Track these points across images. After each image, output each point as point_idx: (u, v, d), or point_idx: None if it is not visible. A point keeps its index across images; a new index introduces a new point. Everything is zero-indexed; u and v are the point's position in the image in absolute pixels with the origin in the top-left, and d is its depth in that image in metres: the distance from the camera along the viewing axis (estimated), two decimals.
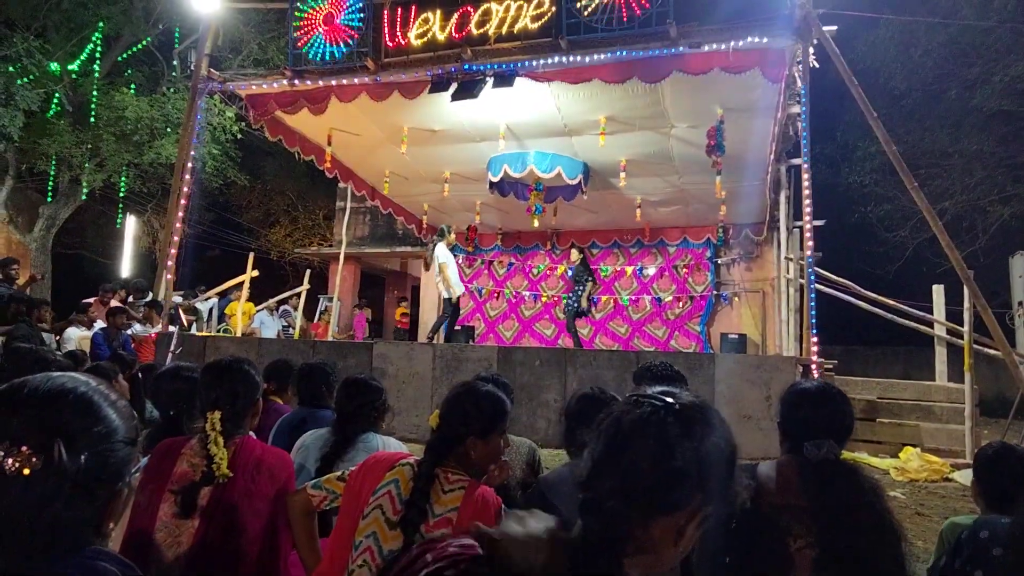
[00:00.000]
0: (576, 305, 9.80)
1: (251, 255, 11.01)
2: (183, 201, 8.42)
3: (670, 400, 1.09)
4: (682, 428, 1.05)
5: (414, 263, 18.14)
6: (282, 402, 3.86)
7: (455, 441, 2.06)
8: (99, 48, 13.29)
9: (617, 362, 7.02)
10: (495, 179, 9.71)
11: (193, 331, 11.56)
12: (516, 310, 14.36)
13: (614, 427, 1.08)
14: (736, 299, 13.13)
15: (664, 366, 3.18)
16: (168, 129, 12.99)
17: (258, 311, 12.26)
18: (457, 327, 10.76)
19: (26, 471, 1.00)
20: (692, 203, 11.61)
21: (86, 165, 13.31)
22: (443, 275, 9.05)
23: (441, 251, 9.21)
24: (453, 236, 9.98)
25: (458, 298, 9.44)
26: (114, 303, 8.97)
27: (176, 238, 8.41)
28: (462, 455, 2.05)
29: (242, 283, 10.90)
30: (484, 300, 14.51)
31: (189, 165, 8.55)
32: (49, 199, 14.33)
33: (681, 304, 13.22)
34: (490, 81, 7.33)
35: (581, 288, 9.79)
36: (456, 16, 7.49)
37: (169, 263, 8.43)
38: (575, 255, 10.21)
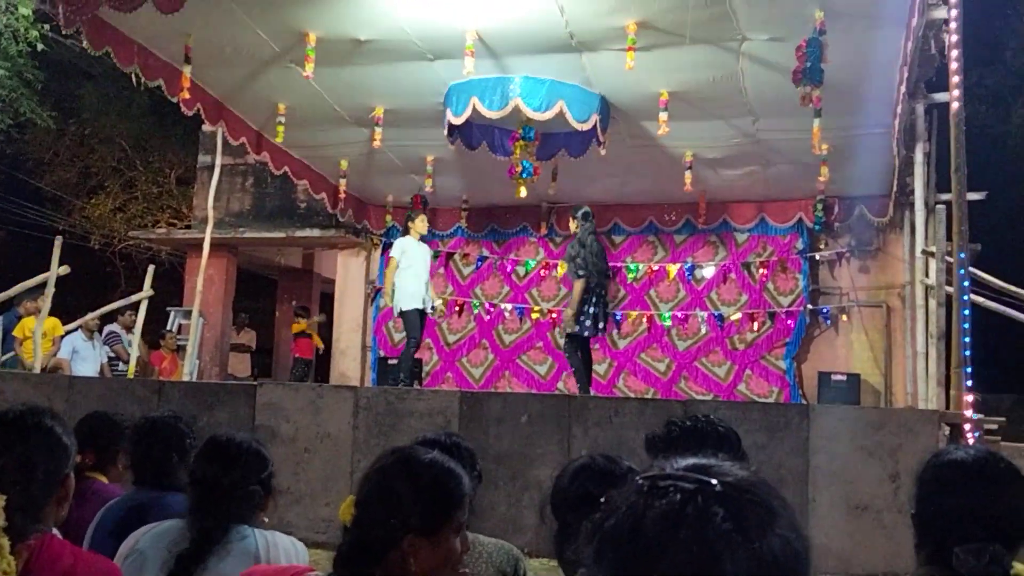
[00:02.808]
0: (577, 315, 9.56)
1: (58, 240, 10.91)
2: None
3: (708, 479, 1.10)
4: (734, 523, 1.06)
5: (326, 257, 18.10)
6: (107, 481, 3.83)
7: (383, 543, 2.05)
8: None
9: (653, 417, 7.04)
10: (458, 120, 9.71)
11: None
12: (489, 333, 14.39)
13: (630, 528, 1.08)
14: (844, 318, 13.26)
15: (696, 419, 3.19)
16: None
17: (68, 332, 12.15)
18: (392, 359, 10.78)
19: None
20: (775, 163, 11.69)
21: None
22: (386, 277, 9.56)
23: (400, 244, 10.10)
24: (423, 222, 10.27)
25: (415, 311, 9.90)
26: None
27: None
28: (395, 566, 2.03)
29: (42, 287, 10.80)
30: (437, 316, 14.51)
31: None
32: None
33: (756, 325, 13.34)
34: None
35: (581, 273, 9.60)
36: None
37: None
38: (572, 224, 10.03)
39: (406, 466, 2.12)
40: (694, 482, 1.08)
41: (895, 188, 11.62)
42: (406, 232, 10.53)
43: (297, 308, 17.20)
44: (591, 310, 9.59)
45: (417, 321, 10.08)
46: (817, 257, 13.38)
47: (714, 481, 1.08)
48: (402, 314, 10.16)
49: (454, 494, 2.11)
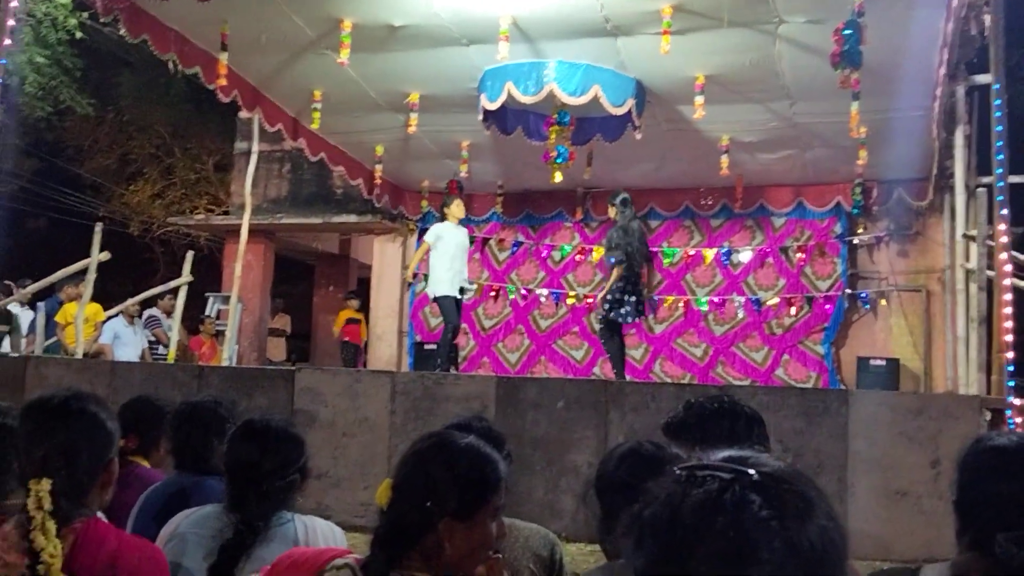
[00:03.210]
0: (612, 301, 9.75)
1: (98, 227, 11.03)
2: None
3: (745, 469, 1.10)
4: (771, 511, 1.06)
5: (362, 242, 18.19)
6: (150, 465, 3.88)
7: (419, 527, 2.06)
8: None
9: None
10: (493, 106, 9.72)
11: (5, 349, 11.61)
12: (525, 318, 14.42)
13: (669, 517, 1.09)
14: (883, 302, 13.16)
15: (718, 400, 3.13)
16: None
17: (109, 318, 12.30)
18: (430, 345, 10.81)
19: None
20: (812, 146, 11.60)
21: None
22: (414, 255, 9.68)
23: (435, 230, 10.18)
24: (459, 207, 10.29)
25: (449, 298, 9.92)
26: None
27: None
28: (431, 549, 2.05)
29: (83, 273, 10.93)
30: (474, 301, 14.54)
31: None
32: None
33: (794, 309, 13.27)
34: None
35: (620, 260, 9.68)
36: None
37: None
38: (612, 211, 10.14)
39: (442, 450, 2.14)
40: (731, 471, 1.09)
41: (935, 171, 11.50)
42: (443, 218, 10.52)
43: (347, 293, 17.32)
44: (631, 297, 9.64)
45: (452, 307, 10.11)
46: (855, 241, 13.27)
47: (751, 471, 1.09)
48: (436, 300, 10.23)
49: (490, 479, 2.12)
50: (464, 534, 2.05)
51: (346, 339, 16.26)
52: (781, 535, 1.04)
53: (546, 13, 8.55)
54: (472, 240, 14.51)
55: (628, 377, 10.50)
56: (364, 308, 16.24)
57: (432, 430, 2.33)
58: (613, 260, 9.63)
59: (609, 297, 9.66)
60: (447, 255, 10.09)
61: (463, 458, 2.12)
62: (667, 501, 1.09)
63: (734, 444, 2.70)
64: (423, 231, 11.51)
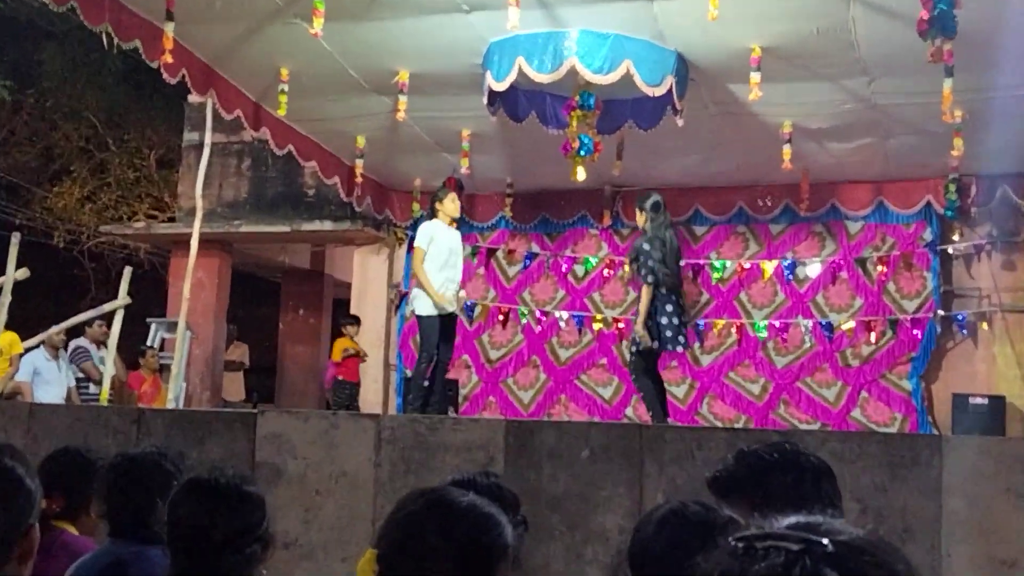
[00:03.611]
0: (647, 326, 9.56)
1: (15, 237, 11.07)
2: None
3: (817, 539, 1.10)
4: None
5: (340, 255, 18.21)
6: (78, 532, 3.88)
7: None
8: None
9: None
10: (500, 86, 9.73)
11: None
12: (541, 347, 14.41)
13: None
14: (984, 326, 13.13)
15: (777, 448, 3.12)
16: None
17: (28, 350, 12.31)
18: (424, 380, 10.76)
19: None
20: (895, 133, 11.60)
21: None
22: (414, 273, 9.58)
23: (427, 230, 9.92)
24: (453, 202, 10.16)
25: (434, 318, 9.74)
26: None
27: None
28: None
29: None
30: (478, 327, 14.54)
31: None
32: None
33: (874, 335, 13.25)
34: None
35: (648, 278, 9.49)
36: None
37: None
38: (640, 217, 9.94)
39: (438, 512, 2.14)
40: (799, 541, 1.09)
41: None
42: (432, 215, 10.41)
43: (346, 319, 16.43)
44: (670, 320, 9.52)
45: (434, 330, 9.98)
46: (950, 251, 13.27)
47: (824, 540, 1.09)
48: (418, 319, 10.12)
49: (494, 546, 2.13)
50: None
51: (340, 377, 15.15)
52: None
53: None
54: (475, 251, 14.60)
55: (669, 420, 10.47)
56: (335, 333, 16.20)
57: (425, 487, 2.33)
58: (646, 279, 9.50)
59: (639, 325, 9.53)
60: (438, 261, 9.99)
61: (463, 521, 2.12)
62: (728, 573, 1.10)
63: (799, 505, 2.71)
64: (413, 240, 11.43)
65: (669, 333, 9.50)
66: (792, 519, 1.14)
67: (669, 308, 9.54)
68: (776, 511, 1.14)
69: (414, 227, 14.14)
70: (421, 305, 9.97)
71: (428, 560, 2.07)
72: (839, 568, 1.06)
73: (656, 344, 9.49)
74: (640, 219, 9.90)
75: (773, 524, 1.14)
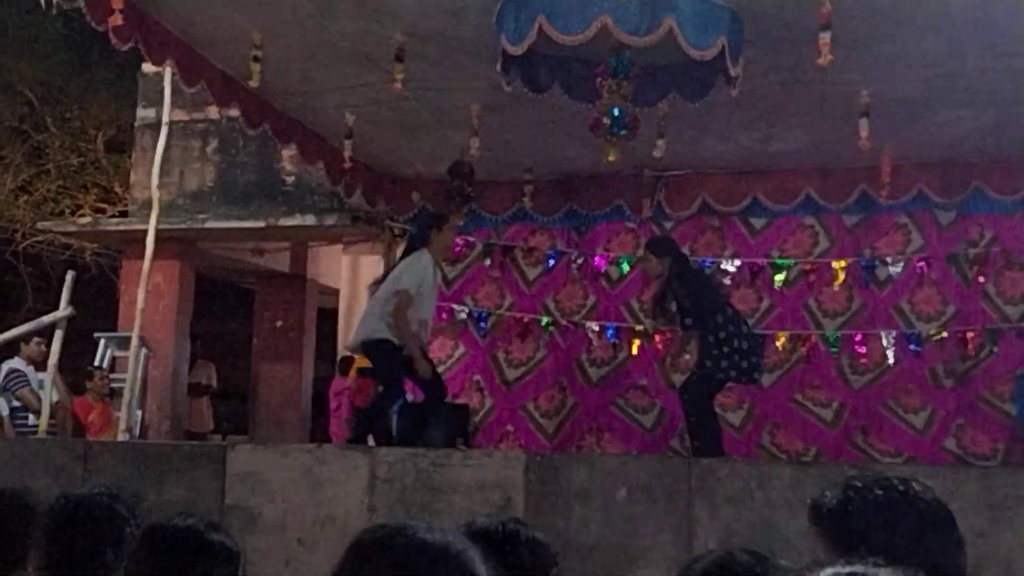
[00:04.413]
0: (717, 365, 9.89)
1: None
2: None
3: None
4: None
5: (324, 255, 18.25)
6: None
7: None
8: None
9: (814, 488, 7.00)
10: (517, 49, 9.74)
11: None
12: (568, 366, 14.43)
13: None
14: None
15: (889, 485, 3.12)
16: None
17: None
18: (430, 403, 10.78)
19: None
20: (991, 105, 11.57)
21: None
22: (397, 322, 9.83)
23: (418, 270, 10.07)
24: (450, 232, 10.26)
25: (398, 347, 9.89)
26: None
27: None
28: None
29: None
30: (492, 341, 14.55)
31: None
32: None
33: (971, 348, 13.21)
34: None
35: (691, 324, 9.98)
36: None
37: None
38: (654, 263, 10.41)
39: (387, 548, 2.16)
40: None
41: None
42: (425, 241, 10.45)
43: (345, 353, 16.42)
44: (735, 346, 9.74)
45: (399, 361, 10.02)
46: None
47: None
48: (376, 344, 10.19)
49: None
50: None
51: (358, 404, 14.53)
52: None
53: None
54: (488, 250, 14.60)
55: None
56: (332, 350, 16.24)
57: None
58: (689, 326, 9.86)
59: (717, 362, 9.82)
60: (420, 311, 10.06)
61: (417, 561, 2.10)
62: None
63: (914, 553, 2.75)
64: (414, 238, 11.35)
65: (738, 358, 9.73)
66: (847, 568, 1.16)
67: (735, 340, 9.77)
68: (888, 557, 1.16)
69: (414, 221, 14.21)
70: (384, 331, 10.02)
71: None
72: None
73: (714, 368, 9.71)
74: (652, 268, 10.33)
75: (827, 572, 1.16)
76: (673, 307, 10.02)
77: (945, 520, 2.96)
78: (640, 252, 14.27)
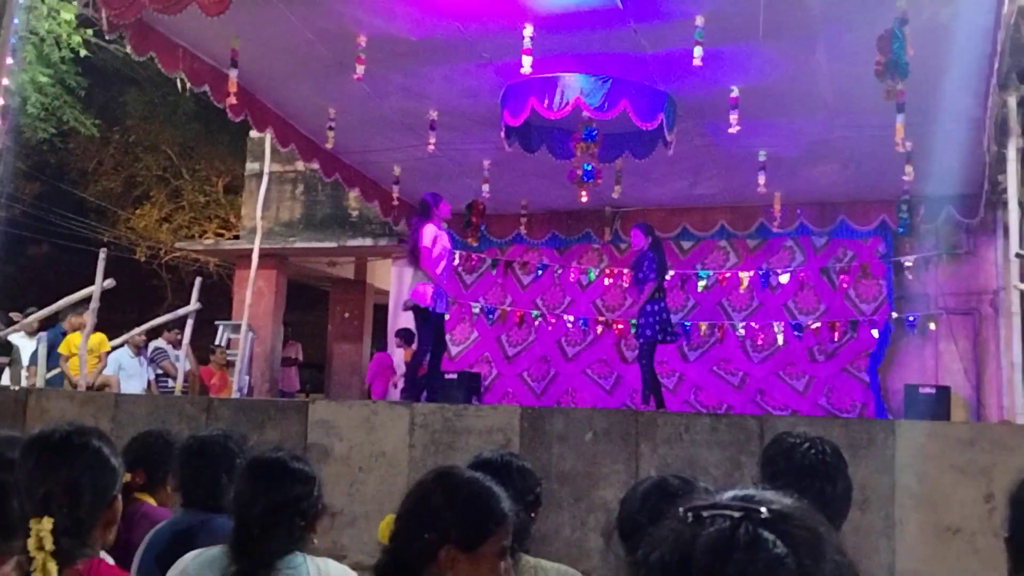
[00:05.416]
0: (654, 325, 10.08)
1: (102, 253, 11.10)
2: None
3: (754, 507, 1.11)
4: (787, 549, 1.07)
5: (379, 267, 18.24)
6: (156, 503, 3.91)
7: (419, 557, 2.09)
8: None
9: (727, 434, 6.99)
10: (516, 121, 9.74)
11: (5, 381, 11.69)
12: (552, 345, 14.40)
13: (679, 559, 1.10)
14: (931, 326, 13.05)
15: (812, 444, 3.13)
16: None
17: (114, 348, 12.36)
18: (450, 374, 10.74)
19: None
20: (855, 161, 11.55)
21: None
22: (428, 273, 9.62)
23: (430, 231, 9.82)
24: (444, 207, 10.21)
25: (437, 315, 9.74)
26: None
27: None
28: None
29: (87, 301, 10.99)
30: (497, 328, 14.54)
31: None
32: None
33: (837, 335, 13.19)
34: None
35: (654, 292, 10.16)
36: None
37: None
38: (641, 237, 10.51)
39: (443, 481, 2.24)
40: (740, 510, 1.10)
41: (986, 187, 11.43)
42: (426, 216, 10.11)
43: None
44: (664, 316, 10.09)
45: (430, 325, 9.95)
46: (902, 262, 13.18)
47: (762, 508, 1.10)
48: (416, 311, 9.91)
49: (493, 511, 2.19)
50: (468, 567, 2.08)
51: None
52: (799, 572, 1.05)
53: (571, 24, 8.59)
54: (495, 263, 14.61)
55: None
56: (383, 336, 16.21)
57: (451, 463, 2.37)
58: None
59: (652, 324, 10.04)
60: (441, 262, 10.06)
61: (464, 489, 2.22)
62: (677, 543, 1.10)
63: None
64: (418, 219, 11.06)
65: (669, 328, 10.07)
66: (731, 492, 1.16)
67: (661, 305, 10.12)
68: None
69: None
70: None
71: (434, 517, 2.13)
72: (774, 531, 1.07)
73: (661, 331, 10.01)
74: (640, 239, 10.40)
75: (715, 496, 1.16)
76: (644, 270, 10.19)
77: (836, 465, 3.00)
78: (603, 265, 14.32)
